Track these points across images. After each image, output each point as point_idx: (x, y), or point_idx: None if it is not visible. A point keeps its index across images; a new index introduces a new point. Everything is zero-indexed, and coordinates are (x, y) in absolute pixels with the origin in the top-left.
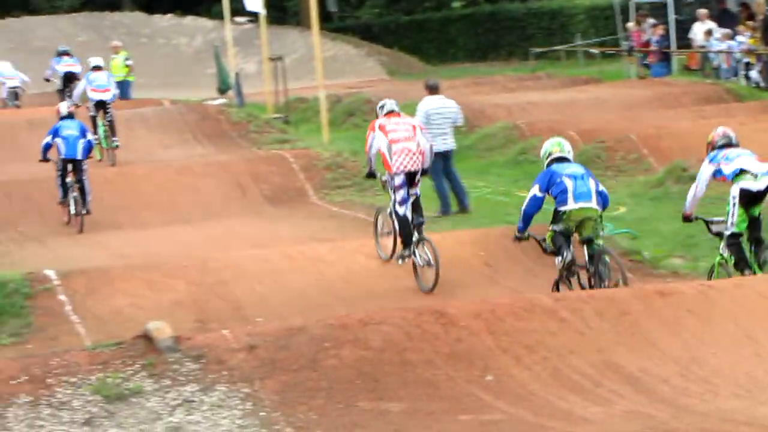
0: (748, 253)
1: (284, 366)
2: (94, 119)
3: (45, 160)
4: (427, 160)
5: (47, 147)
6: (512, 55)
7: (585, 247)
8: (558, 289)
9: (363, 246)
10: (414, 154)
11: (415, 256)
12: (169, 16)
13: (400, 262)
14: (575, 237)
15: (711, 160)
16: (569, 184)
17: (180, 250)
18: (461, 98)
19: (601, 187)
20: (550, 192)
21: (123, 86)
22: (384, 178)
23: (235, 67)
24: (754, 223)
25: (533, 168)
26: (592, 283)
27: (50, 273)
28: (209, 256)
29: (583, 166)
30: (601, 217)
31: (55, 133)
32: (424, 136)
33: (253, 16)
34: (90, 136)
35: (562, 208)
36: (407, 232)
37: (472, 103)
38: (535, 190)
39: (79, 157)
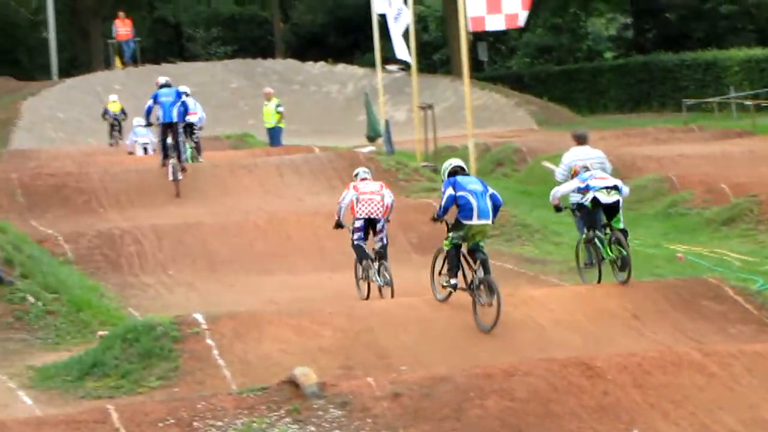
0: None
1: (428, 415)
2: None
3: (149, 124)
4: (389, 213)
5: (149, 110)
6: (664, 106)
7: (474, 253)
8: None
9: (509, 297)
10: (377, 203)
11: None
12: (320, 63)
13: (362, 274)
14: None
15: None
16: (473, 201)
17: (328, 296)
18: (611, 149)
19: (491, 191)
20: (456, 198)
21: (274, 133)
22: (349, 227)
23: (385, 114)
24: (619, 231)
25: (684, 221)
26: (479, 293)
27: (198, 317)
28: (356, 303)
29: (480, 179)
30: (490, 228)
31: (155, 98)
32: (389, 193)
33: (404, 65)
34: (189, 101)
35: (466, 222)
36: (360, 252)
37: (622, 154)
38: (449, 191)
39: (174, 120)
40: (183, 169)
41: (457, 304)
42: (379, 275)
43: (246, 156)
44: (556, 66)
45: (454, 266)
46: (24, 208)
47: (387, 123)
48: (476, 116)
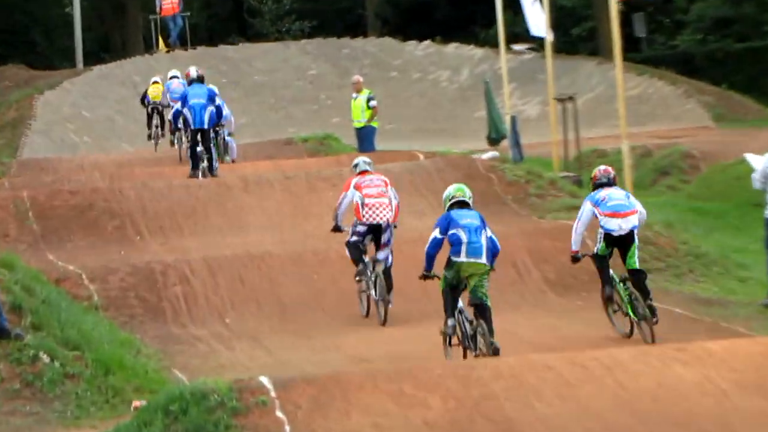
0: (623, 294)
1: None
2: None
3: (176, 128)
4: (397, 216)
5: (177, 115)
6: None
7: (473, 303)
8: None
9: (680, 351)
10: (385, 207)
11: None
12: (426, 43)
13: (356, 278)
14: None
15: (594, 203)
16: (464, 236)
17: (436, 352)
18: None
19: (490, 233)
20: (447, 236)
21: (365, 134)
22: (348, 229)
23: (511, 109)
24: (634, 273)
25: None
26: (476, 342)
27: (265, 381)
28: (474, 362)
29: (480, 215)
30: (488, 272)
31: (184, 100)
32: (394, 191)
33: (536, 43)
34: (218, 101)
35: (455, 259)
36: (356, 252)
37: None
38: (436, 233)
39: (206, 126)
40: (213, 175)
41: (610, 364)
42: (375, 287)
43: (328, 165)
44: (738, 43)
45: (448, 307)
46: (38, 237)
47: (514, 120)
48: (632, 110)
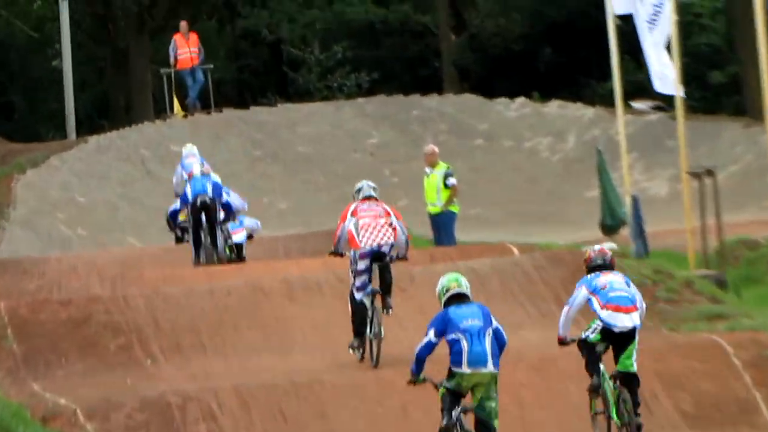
0: (610, 396)
1: None
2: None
3: (173, 227)
4: (402, 247)
5: (175, 214)
6: None
7: (477, 413)
8: None
9: None
10: (382, 227)
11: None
12: (520, 101)
13: (350, 351)
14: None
15: (591, 289)
16: (465, 344)
17: None
18: None
19: (495, 324)
20: (446, 339)
21: (442, 221)
22: (350, 253)
23: (633, 187)
24: (626, 376)
25: None
26: None
27: None
28: None
29: (482, 308)
30: (495, 378)
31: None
32: (400, 224)
33: (664, 101)
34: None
35: (455, 370)
36: (360, 319)
37: None
38: (430, 336)
39: (209, 196)
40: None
41: None
42: (370, 325)
43: (395, 263)
44: None
45: (445, 409)
46: (19, 361)
47: (635, 201)
48: None
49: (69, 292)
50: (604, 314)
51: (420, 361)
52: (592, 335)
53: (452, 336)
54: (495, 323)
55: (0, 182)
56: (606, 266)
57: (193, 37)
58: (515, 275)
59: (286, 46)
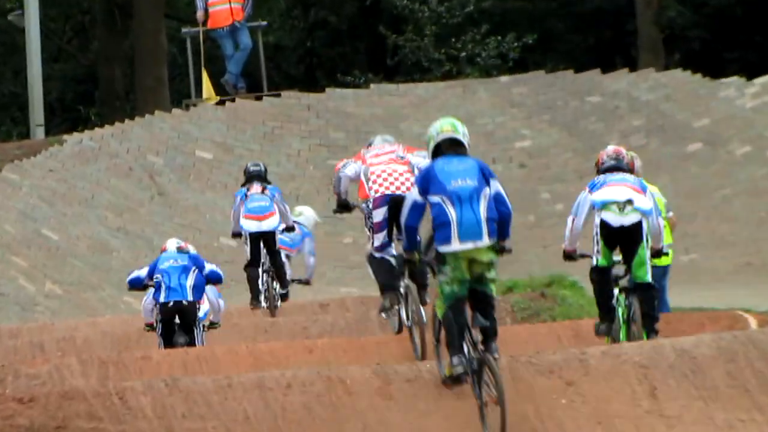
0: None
1: None
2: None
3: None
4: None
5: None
6: None
7: (474, 300)
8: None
9: None
10: (400, 174)
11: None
12: (763, 82)
13: (383, 315)
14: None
15: (591, 188)
16: (452, 211)
17: None
18: None
19: (495, 188)
20: (428, 202)
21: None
22: (362, 206)
23: None
24: (640, 288)
25: None
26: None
27: None
28: None
29: (479, 163)
30: (496, 250)
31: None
32: (419, 157)
33: None
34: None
35: (443, 249)
36: (386, 279)
37: None
38: (414, 194)
39: (189, 299)
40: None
41: None
42: (407, 311)
43: (553, 341)
44: None
45: (454, 338)
46: None
47: None
48: None
49: (31, 384)
50: (596, 197)
51: (410, 230)
52: (599, 255)
53: (435, 198)
54: (496, 187)
55: None
56: (620, 168)
57: None
58: (752, 361)
59: None
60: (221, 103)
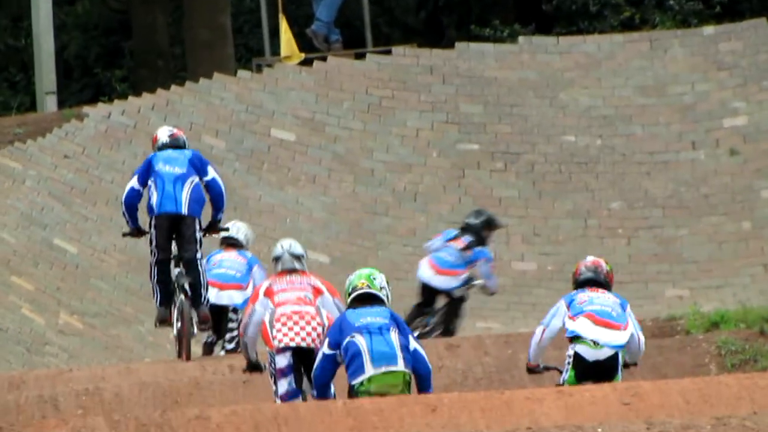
0: None
1: None
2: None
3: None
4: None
5: (130, 195)
6: None
7: None
8: None
9: None
10: (307, 322)
11: None
12: None
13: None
14: None
15: (569, 303)
16: (363, 342)
17: None
18: None
19: (413, 346)
20: (341, 350)
21: None
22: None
23: None
24: None
25: None
26: None
27: None
28: None
29: (392, 312)
30: (409, 383)
31: (146, 172)
32: (335, 303)
33: None
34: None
35: (356, 381)
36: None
37: None
38: (324, 347)
39: (182, 212)
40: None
41: None
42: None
43: None
44: None
45: None
46: None
47: None
48: None
49: None
50: (571, 325)
51: (319, 384)
52: (566, 375)
53: (347, 340)
54: (414, 344)
55: None
56: (598, 282)
57: None
58: None
59: None
60: (307, 62)
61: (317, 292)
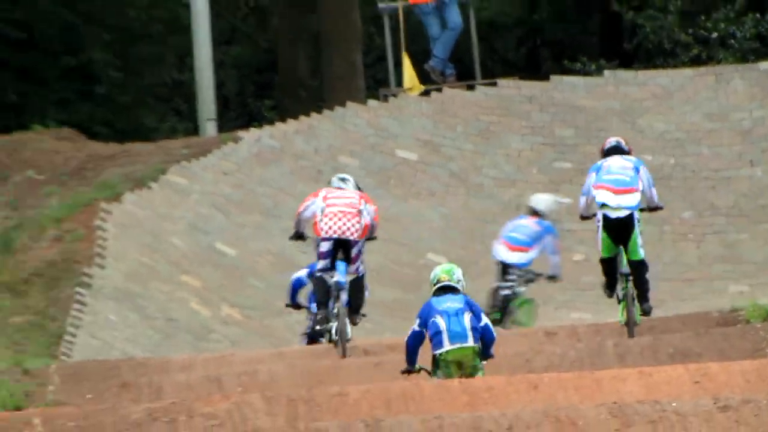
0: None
1: None
2: None
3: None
4: (371, 232)
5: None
6: None
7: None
8: None
9: None
10: (348, 219)
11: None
12: None
13: (308, 331)
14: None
15: (596, 171)
16: (442, 323)
17: None
18: None
19: (484, 321)
20: (426, 331)
21: None
22: (312, 236)
23: None
24: (632, 267)
25: None
26: None
27: None
28: None
29: (466, 298)
30: (477, 353)
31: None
32: (370, 209)
33: None
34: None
35: (437, 352)
36: (320, 296)
37: None
38: (415, 325)
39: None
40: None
41: None
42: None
43: None
44: None
45: None
46: None
47: None
48: None
49: (208, 425)
50: (597, 195)
51: (410, 350)
52: (601, 243)
53: (431, 320)
54: (485, 320)
55: (74, 217)
56: (620, 150)
57: None
58: None
59: None
60: (426, 93)
61: (364, 199)
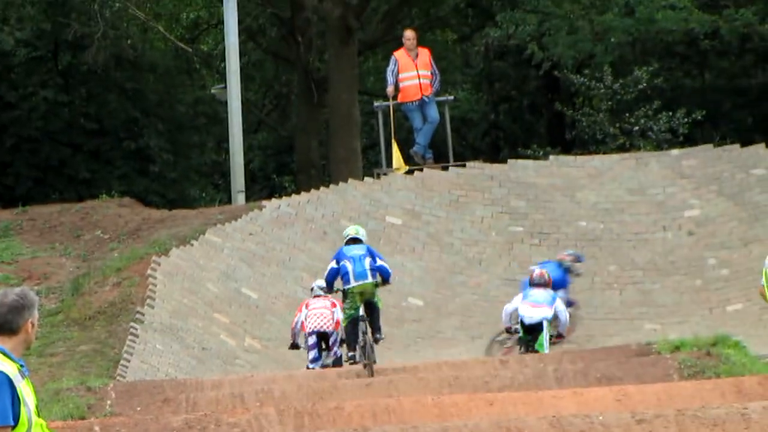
0: None
1: None
2: None
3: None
4: (341, 330)
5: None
6: None
7: (363, 306)
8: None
9: None
10: (325, 317)
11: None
12: None
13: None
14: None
15: (523, 294)
16: (350, 266)
17: None
18: None
19: (380, 263)
20: (339, 267)
21: None
22: (304, 346)
23: None
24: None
25: None
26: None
27: None
28: None
29: (368, 247)
30: (376, 285)
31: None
32: (341, 310)
33: None
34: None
35: (346, 287)
36: (351, 339)
37: None
38: (332, 263)
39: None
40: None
41: None
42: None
43: (716, 397)
44: None
45: (352, 340)
46: None
47: None
48: None
49: None
50: (521, 308)
51: (328, 283)
52: (520, 332)
53: (342, 262)
54: (379, 261)
55: (131, 267)
56: (541, 284)
57: (424, 54)
58: None
59: (561, 70)
60: (410, 172)
61: (333, 305)
